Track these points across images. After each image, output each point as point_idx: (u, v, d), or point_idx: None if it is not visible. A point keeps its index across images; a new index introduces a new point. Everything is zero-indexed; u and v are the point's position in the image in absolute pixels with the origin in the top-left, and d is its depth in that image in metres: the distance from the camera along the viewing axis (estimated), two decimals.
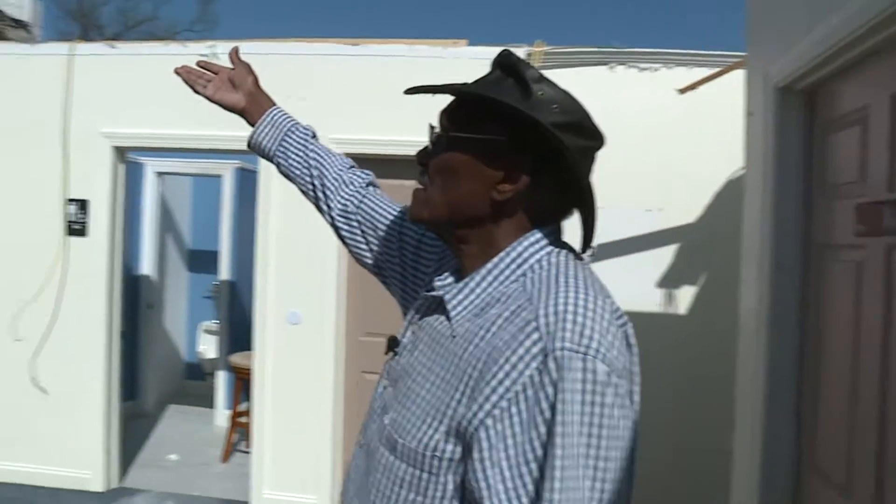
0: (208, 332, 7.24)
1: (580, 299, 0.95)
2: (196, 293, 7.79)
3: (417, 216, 1.15)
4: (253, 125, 1.51)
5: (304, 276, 4.49)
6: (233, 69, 1.52)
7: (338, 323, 4.53)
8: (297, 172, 1.49)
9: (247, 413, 5.21)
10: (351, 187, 1.46)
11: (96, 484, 4.75)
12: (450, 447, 0.98)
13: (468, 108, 1.09)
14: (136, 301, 6.72)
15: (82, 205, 4.71)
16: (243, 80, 1.51)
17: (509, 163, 1.06)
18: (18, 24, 8.11)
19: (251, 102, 1.50)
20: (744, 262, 2.86)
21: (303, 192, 1.50)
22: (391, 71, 4.40)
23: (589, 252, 1.15)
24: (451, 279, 1.15)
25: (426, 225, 1.20)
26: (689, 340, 4.13)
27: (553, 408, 0.89)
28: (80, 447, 4.74)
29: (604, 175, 3.94)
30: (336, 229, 1.47)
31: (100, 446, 4.74)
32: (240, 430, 5.70)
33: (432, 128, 1.14)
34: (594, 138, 1.09)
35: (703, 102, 4.04)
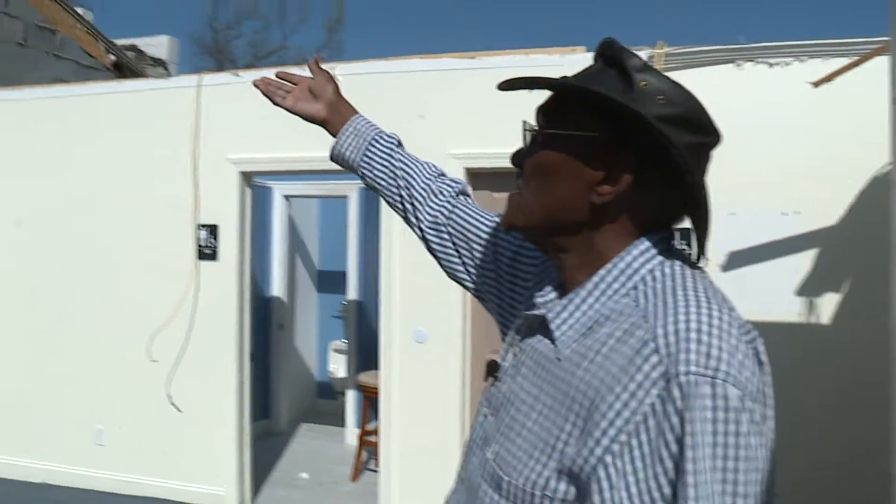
0: (338, 351, 7.34)
1: (703, 314, 0.85)
2: (326, 313, 7.93)
3: (511, 223, 1.06)
4: (335, 136, 1.44)
5: (429, 293, 4.45)
6: (313, 79, 1.45)
7: (464, 340, 4.46)
8: (383, 184, 1.40)
9: (375, 432, 5.21)
10: (440, 197, 1.37)
11: (230, 501, 4.87)
12: (562, 486, 0.89)
13: (566, 103, 1.01)
14: (268, 322, 6.90)
15: (212, 230, 4.85)
16: (323, 90, 1.43)
17: (610, 162, 0.96)
18: (157, 62, 8.58)
19: (332, 112, 1.43)
20: (894, 264, 2.59)
21: (390, 204, 1.42)
22: None
23: (704, 261, 1.02)
24: (553, 294, 1.04)
25: (521, 233, 1.11)
26: (835, 351, 3.81)
27: (680, 441, 0.79)
28: (214, 465, 4.87)
29: (735, 178, 3.75)
30: (426, 242, 1.38)
31: (233, 464, 4.85)
32: (368, 448, 5.72)
33: (527, 125, 1.06)
34: (706, 134, 0.98)
35: (841, 95, 3.73)
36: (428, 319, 4.47)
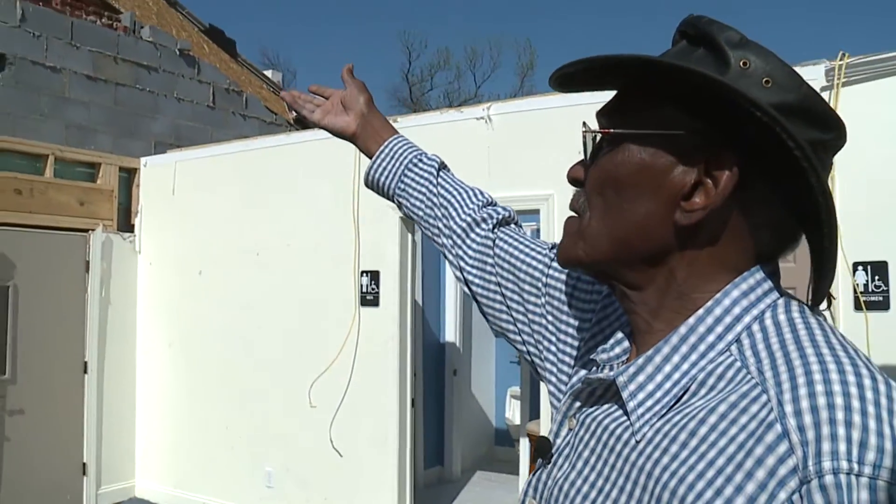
0: (514, 397, 7.18)
1: (850, 381, 0.60)
2: (503, 358, 7.79)
3: (569, 256, 0.81)
4: (370, 156, 1.25)
5: None
6: (345, 91, 1.28)
7: None
8: (421, 214, 1.19)
9: None
10: (483, 226, 1.13)
11: None
12: None
13: (638, 96, 0.76)
14: (441, 368, 6.86)
15: (374, 276, 4.89)
16: (355, 101, 1.26)
17: (702, 164, 0.71)
18: None
19: (363, 126, 1.24)
20: None
21: (430, 237, 1.21)
22: None
23: (825, 304, 0.74)
24: (620, 347, 0.81)
25: (582, 269, 0.84)
26: None
27: None
28: None
29: None
30: (467, 284, 1.13)
31: None
32: None
33: (587, 128, 0.80)
34: (827, 128, 0.72)
35: None
36: None
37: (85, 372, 5.69)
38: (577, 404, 0.82)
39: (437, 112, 5.12)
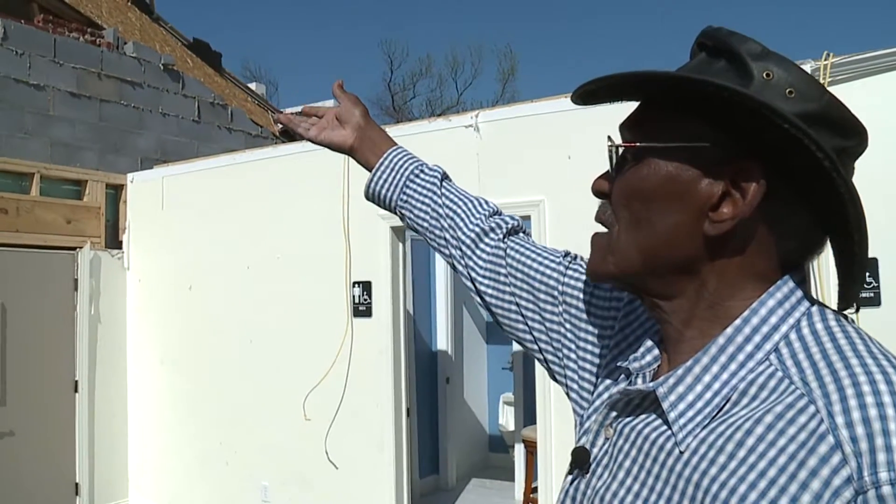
0: (508, 403, 7.18)
1: None
2: (495, 365, 7.79)
3: (598, 270, 0.82)
4: (370, 169, 1.26)
5: None
6: (339, 107, 1.29)
7: None
8: (425, 225, 1.19)
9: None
10: (492, 236, 1.13)
11: None
12: None
13: (660, 109, 0.78)
14: (435, 376, 6.85)
15: (366, 286, 4.88)
16: (350, 114, 1.26)
17: (729, 175, 0.73)
18: None
19: (360, 138, 1.25)
20: None
21: (435, 248, 1.21)
22: None
23: (852, 309, 0.76)
24: (651, 354, 0.82)
25: (613, 282, 0.86)
26: None
27: None
28: None
29: None
30: (480, 295, 1.13)
31: None
32: None
33: (612, 142, 0.81)
34: (849, 135, 0.74)
35: None
36: None
37: (75, 391, 5.64)
38: (614, 414, 0.83)
39: (426, 121, 5.12)
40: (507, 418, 7.15)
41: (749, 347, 0.72)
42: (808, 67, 3.64)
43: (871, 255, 0.75)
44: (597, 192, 0.84)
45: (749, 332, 0.72)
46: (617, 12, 32.62)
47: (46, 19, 6.26)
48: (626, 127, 0.81)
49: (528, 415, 6.33)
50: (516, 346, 6.61)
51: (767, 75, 0.72)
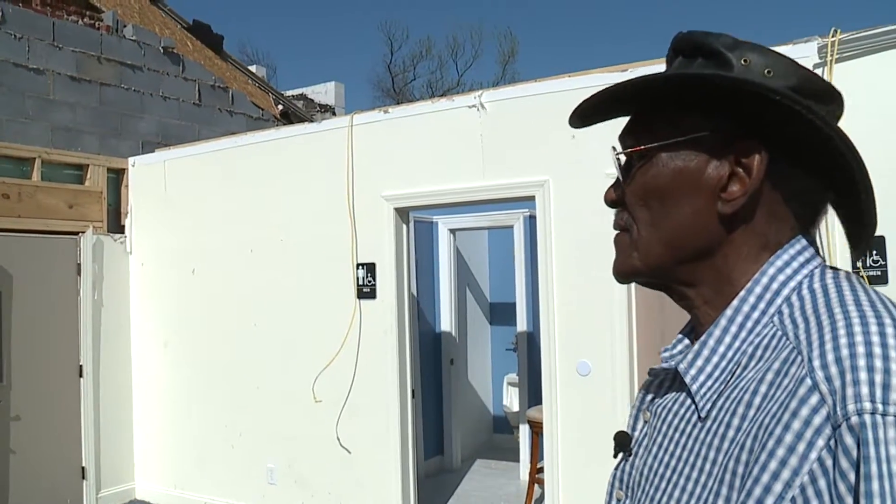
0: (512, 384, 7.20)
1: (873, 331, 0.65)
2: (499, 346, 7.80)
3: (625, 268, 0.87)
4: None
5: (590, 323, 4.21)
6: None
7: (630, 372, 4.17)
8: None
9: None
10: None
11: None
12: None
13: (655, 112, 0.85)
14: (439, 358, 6.86)
15: (370, 268, 4.87)
16: None
17: (728, 158, 0.80)
18: (325, 108, 8.90)
19: None
20: None
21: None
22: None
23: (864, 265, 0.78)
24: (682, 343, 0.89)
25: (640, 277, 0.89)
26: None
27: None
28: (379, 502, 4.82)
29: None
30: None
31: (398, 503, 4.78)
32: (540, 486, 5.50)
33: (617, 151, 0.88)
34: (829, 100, 0.81)
35: None
36: (591, 350, 4.22)
37: (80, 375, 5.66)
38: (650, 397, 0.90)
39: (428, 101, 5.09)
40: (512, 399, 7.17)
41: (755, 314, 0.77)
42: (815, 45, 3.61)
43: (878, 232, 0.75)
44: (609, 202, 0.89)
45: (754, 301, 0.78)
46: None
47: (44, 2, 6.21)
48: (626, 135, 0.88)
49: (532, 395, 6.34)
50: (520, 327, 6.62)
51: (745, 61, 0.79)
